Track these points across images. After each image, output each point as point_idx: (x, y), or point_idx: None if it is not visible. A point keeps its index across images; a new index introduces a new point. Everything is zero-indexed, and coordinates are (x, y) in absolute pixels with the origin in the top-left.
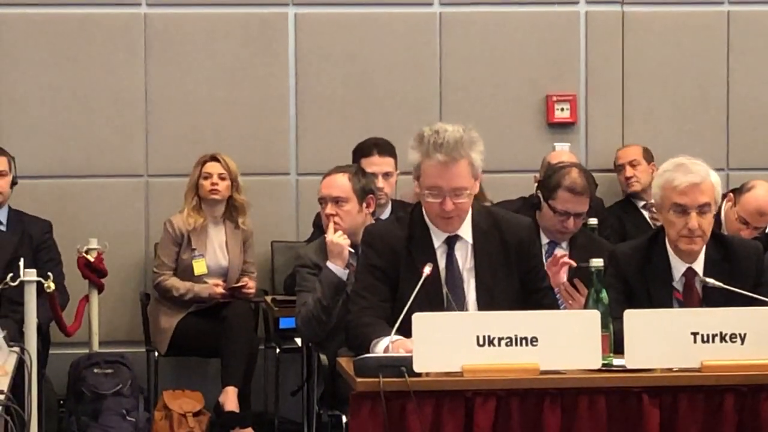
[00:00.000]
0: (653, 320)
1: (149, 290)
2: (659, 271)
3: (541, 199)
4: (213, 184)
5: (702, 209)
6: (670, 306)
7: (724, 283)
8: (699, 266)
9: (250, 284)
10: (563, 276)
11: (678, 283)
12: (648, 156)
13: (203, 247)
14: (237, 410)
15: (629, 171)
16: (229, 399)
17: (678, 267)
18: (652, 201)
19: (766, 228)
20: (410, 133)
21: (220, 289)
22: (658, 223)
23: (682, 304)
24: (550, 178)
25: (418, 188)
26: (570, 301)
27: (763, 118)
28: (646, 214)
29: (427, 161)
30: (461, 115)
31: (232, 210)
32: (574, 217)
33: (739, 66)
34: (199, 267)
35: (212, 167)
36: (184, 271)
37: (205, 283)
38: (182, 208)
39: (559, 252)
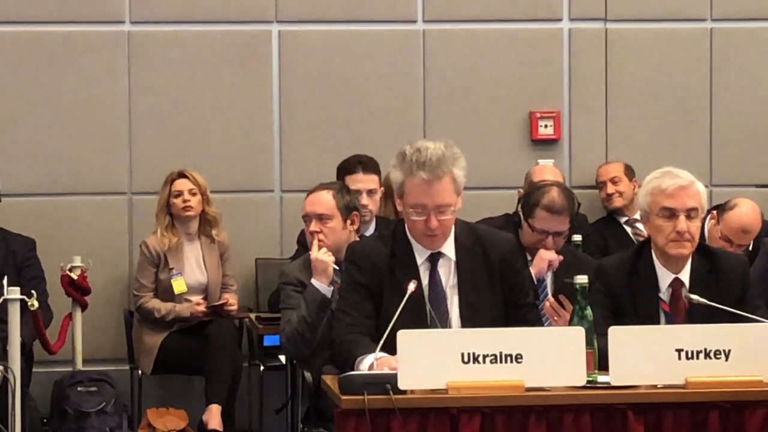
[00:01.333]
0: (638, 337)
1: (133, 308)
2: (646, 282)
3: (521, 218)
4: (185, 201)
5: (690, 213)
6: (657, 317)
7: (710, 296)
8: (685, 277)
9: (232, 301)
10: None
11: (665, 294)
12: (629, 172)
13: (180, 265)
14: (220, 429)
15: (610, 188)
16: (213, 417)
17: (664, 277)
18: (636, 216)
19: (749, 246)
20: (394, 150)
21: (201, 308)
22: (642, 239)
23: (669, 315)
24: (529, 197)
25: (401, 206)
26: (555, 318)
27: (746, 134)
28: (628, 230)
29: (410, 179)
30: (445, 132)
31: (205, 224)
32: (553, 236)
33: (722, 82)
34: (179, 286)
35: (182, 184)
36: (165, 291)
37: (187, 301)
38: (155, 228)
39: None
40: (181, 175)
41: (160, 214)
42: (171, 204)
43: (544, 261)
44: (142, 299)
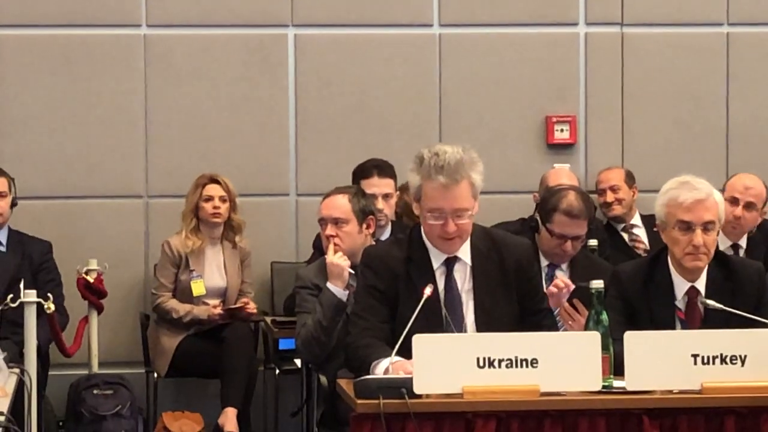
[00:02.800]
0: (654, 342)
1: (149, 311)
2: (661, 290)
3: (539, 222)
4: (215, 207)
5: (706, 227)
6: (673, 325)
7: (726, 303)
8: (701, 285)
9: (252, 304)
10: (564, 301)
11: (680, 302)
12: (630, 179)
13: (201, 268)
14: (236, 431)
15: (610, 196)
16: (229, 420)
17: (680, 286)
18: (633, 222)
19: (759, 212)
20: (410, 154)
21: (218, 310)
22: (639, 246)
23: (684, 323)
24: (547, 202)
25: (418, 210)
26: (570, 322)
27: (762, 138)
28: (626, 236)
29: (428, 183)
30: (461, 136)
31: (229, 230)
32: (572, 240)
33: (739, 87)
34: (198, 288)
35: (213, 189)
36: (183, 293)
37: (205, 304)
38: (180, 229)
39: (559, 275)
40: (213, 180)
41: (187, 216)
42: (200, 207)
43: (559, 292)
44: (161, 299)
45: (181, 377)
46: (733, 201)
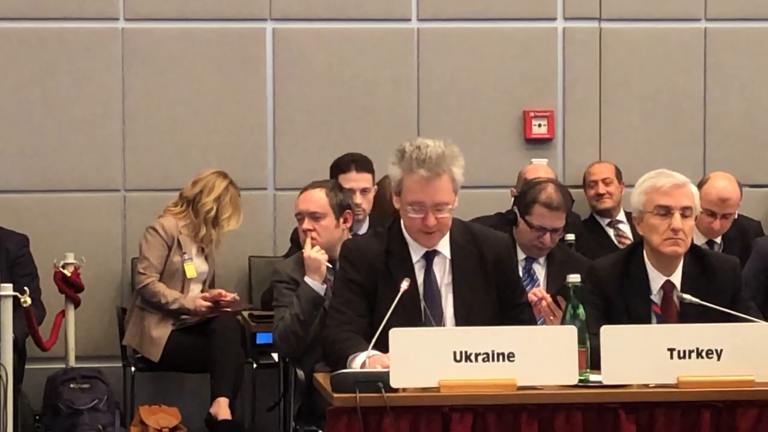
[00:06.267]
0: (630, 336)
1: (126, 305)
2: (637, 284)
3: (518, 215)
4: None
5: (684, 212)
6: (649, 319)
7: (702, 298)
8: (677, 279)
9: (224, 292)
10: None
11: (656, 296)
12: (619, 175)
13: (190, 251)
14: (230, 418)
15: (602, 188)
16: (222, 409)
17: (656, 280)
18: (619, 218)
19: (735, 215)
20: (388, 148)
21: (206, 303)
22: (624, 241)
23: (660, 318)
24: (525, 194)
25: (399, 203)
26: (551, 317)
27: (739, 134)
28: (611, 232)
29: (409, 177)
30: (439, 131)
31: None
32: (551, 233)
33: (716, 82)
34: (190, 270)
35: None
36: (172, 276)
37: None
38: (174, 210)
39: (536, 269)
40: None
41: (181, 203)
42: (198, 204)
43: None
44: (149, 279)
45: (170, 371)
46: (711, 214)
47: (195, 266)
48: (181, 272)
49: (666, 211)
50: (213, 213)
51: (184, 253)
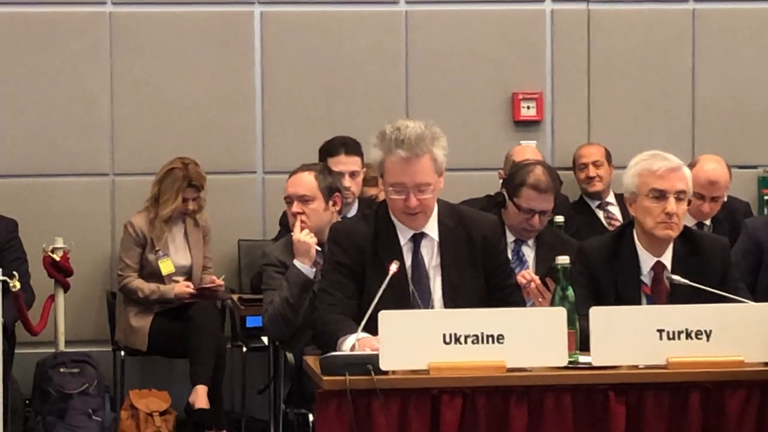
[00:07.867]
0: (619, 317)
1: (115, 289)
2: (627, 265)
3: (506, 197)
4: (193, 206)
5: (679, 196)
6: (638, 300)
7: (692, 278)
8: (667, 260)
9: (219, 282)
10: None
11: (646, 277)
12: (608, 157)
13: (165, 247)
14: (207, 407)
15: (592, 171)
16: (200, 397)
17: (646, 261)
18: (609, 200)
19: (724, 197)
20: (377, 131)
21: (190, 290)
22: (614, 223)
23: (650, 299)
24: (514, 176)
25: (383, 185)
26: (540, 299)
27: (728, 115)
28: (600, 214)
29: (389, 158)
30: (427, 113)
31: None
32: (539, 215)
33: (705, 63)
34: (166, 267)
35: (191, 193)
36: (150, 273)
37: (174, 282)
38: (141, 208)
39: (525, 274)
40: (191, 184)
41: (152, 200)
42: (177, 203)
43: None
44: (126, 279)
45: (152, 356)
46: (700, 197)
47: (173, 261)
48: (158, 269)
49: (660, 195)
50: (156, 195)
51: (158, 250)
